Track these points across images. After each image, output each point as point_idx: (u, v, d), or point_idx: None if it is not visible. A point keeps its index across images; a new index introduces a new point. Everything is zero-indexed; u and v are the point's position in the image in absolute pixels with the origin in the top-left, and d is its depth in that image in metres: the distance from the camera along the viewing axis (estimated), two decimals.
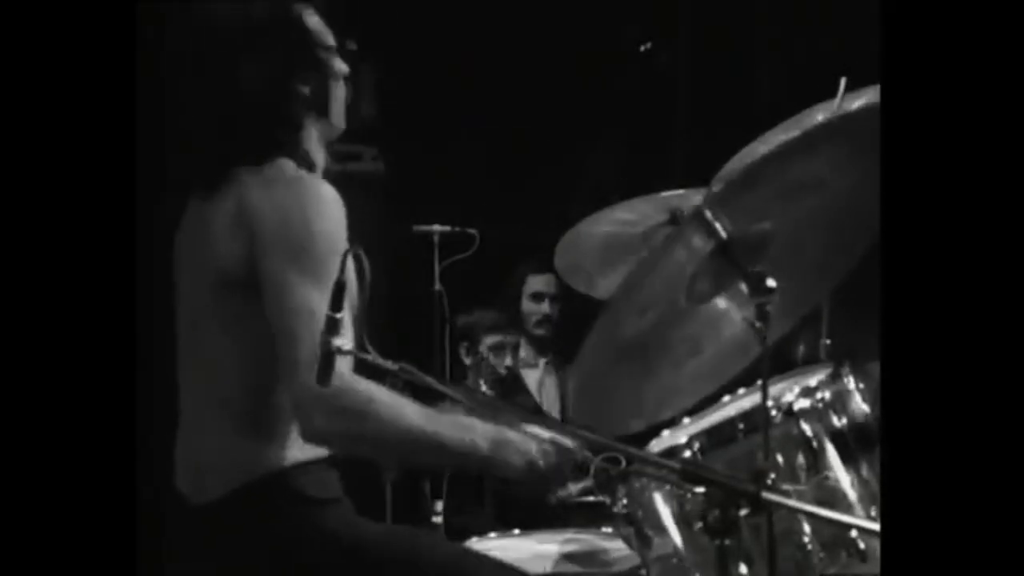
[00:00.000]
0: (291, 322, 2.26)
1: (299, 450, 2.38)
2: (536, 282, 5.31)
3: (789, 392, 2.52)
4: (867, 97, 3.14)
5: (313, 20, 2.54)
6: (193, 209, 2.50)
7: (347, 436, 2.29)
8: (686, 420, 2.84)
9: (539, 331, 5.32)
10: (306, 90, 2.49)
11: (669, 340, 2.47)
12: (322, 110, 2.52)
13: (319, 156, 2.54)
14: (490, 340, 5.12)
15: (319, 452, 2.42)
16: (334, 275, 2.26)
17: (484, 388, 4.96)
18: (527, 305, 5.33)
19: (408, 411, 2.28)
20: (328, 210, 2.36)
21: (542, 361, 5.37)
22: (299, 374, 2.22)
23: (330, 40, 2.55)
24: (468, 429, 2.34)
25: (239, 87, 2.45)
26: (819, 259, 2.49)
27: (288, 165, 2.42)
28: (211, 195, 2.42)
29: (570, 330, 5.23)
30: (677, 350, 2.51)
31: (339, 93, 2.57)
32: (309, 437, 2.30)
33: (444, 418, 2.33)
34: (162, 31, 2.36)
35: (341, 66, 2.57)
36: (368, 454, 2.50)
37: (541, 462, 2.38)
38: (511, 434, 2.37)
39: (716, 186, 2.47)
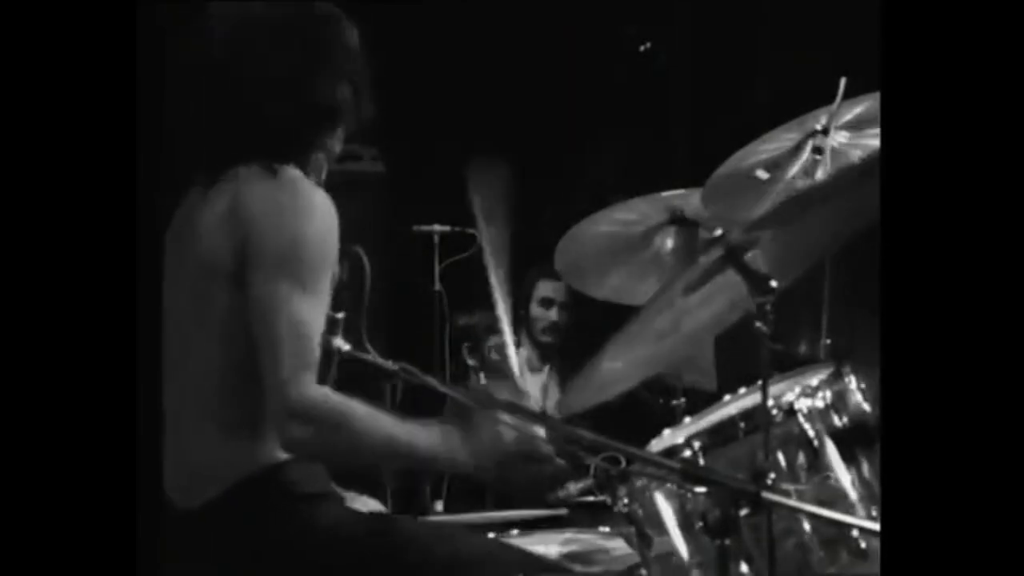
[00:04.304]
0: (274, 331, 2.25)
1: None
2: (546, 288, 5.29)
3: (790, 392, 2.52)
4: (866, 103, 3.15)
5: (342, 28, 2.52)
6: (187, 205, 2.49)
7: (322, 446, 2.27)
8: (687, 419, 2.84)
9: (545, 338, 5.30)
10: (347, 92, 2.48)
11: (656, 320, 2.50)
12: (348, 116, 2.51)
13: (334, 152, 2.55)
14: (494, 340, 5.12)
15: None
16: (321, 285, 2.28)
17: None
18: (535, 310, 5.32)
19: (384, 423, 2.28)
20: (321, 219, 2.34)
21: (546, 367, 5.36)
22: (278, 383, 2.22)
23: (355, 47, 2.53)
24: (446, 439, 2.33)
25: (268, 85, 2.43)
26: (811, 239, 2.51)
27: (289, 170, 2.42)
28: (208, 190, 2.42)
29: (576, 338, 5.23)
30: (662, 328, 2.54)
31: (367, 90, 2.54)
32: (286, 446, 2.29)
33: (420, 430, 2.32)
34: (176, 24, 2.35)
35: (364, 65, 2.55)
36: (344, 464, 2.50)
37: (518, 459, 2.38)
38: (487, 435, 2.35)
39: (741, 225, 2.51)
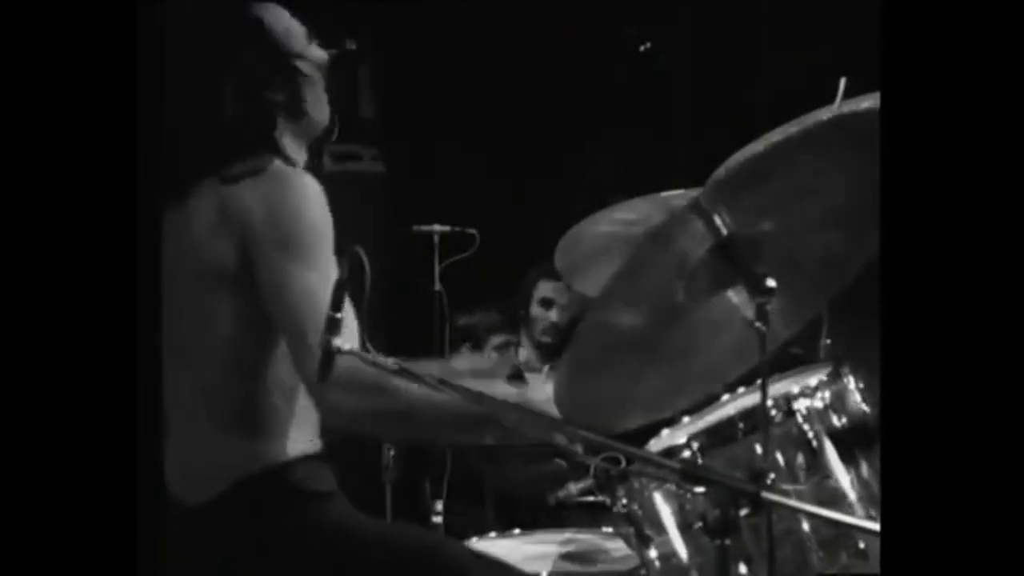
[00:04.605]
0: (295, 310, 2.29)
1: (293, 445, 2.39)
2: (546, 288, 5.29)
3: (789, 392, 2.52)
4: (867, 102, 3.14)
5: (278, 22, 2.52)
6: (174, 210, 2.49)
7: (364, 411, 2.28)
8: (686, 419, 2.84)
9: (545, 338, 5.31)
10: (279, 96, 2.49)
11: (664, 338, 2.47)
12: (296, 114, 2.52)
13: (300, 156, 2.55)
14: (496, 340, 5.13)
15: (312, 447, 2.43)
16: (326, 260, 2.30)
17: None
18: (536, 310, 5.32)
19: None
20: (313, 200, 2.38)
21: (546, 367, 5.36)
22: (311, 357, 2.23)
23: (297, 40, 2.54)
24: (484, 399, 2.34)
25: (212, 96, 2.46)
26: (820, 266, 2.48)
27: (273, 161, 2.43)
28: (191, 195, 2.42)
29: None
30: (671, 349, 2.51)
31: (316, 92, 2.55)
32: (327, 414, 2.32)
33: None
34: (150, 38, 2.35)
35: (314, 63, 2.55)
36: (386, 429, 2.49)
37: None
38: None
39: (713, 181, 2.48)
